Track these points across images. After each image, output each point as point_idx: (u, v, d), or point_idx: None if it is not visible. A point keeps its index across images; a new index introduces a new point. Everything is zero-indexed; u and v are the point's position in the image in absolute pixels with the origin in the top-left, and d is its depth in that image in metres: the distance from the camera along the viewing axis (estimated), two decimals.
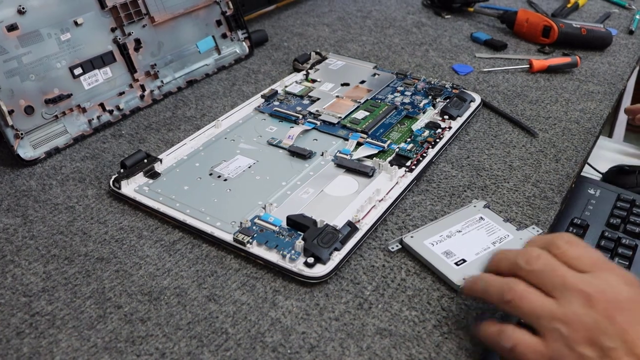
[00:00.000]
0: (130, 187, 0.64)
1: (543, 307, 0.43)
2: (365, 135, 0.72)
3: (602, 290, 0.42)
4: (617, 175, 0.92)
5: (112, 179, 0.64)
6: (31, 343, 0.48)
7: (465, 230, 0.58)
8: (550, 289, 0.43)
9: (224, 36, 0.93)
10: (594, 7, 1.20)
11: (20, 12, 0.69)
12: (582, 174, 0.84)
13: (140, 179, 0.65)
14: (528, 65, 0.92)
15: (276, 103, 0.80)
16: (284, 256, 0.54)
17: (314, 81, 0.86)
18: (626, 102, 1.53)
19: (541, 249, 0.46)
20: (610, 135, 1.61)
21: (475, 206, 0.62)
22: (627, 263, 0.65)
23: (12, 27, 0.69)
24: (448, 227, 0.59)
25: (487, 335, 0.46)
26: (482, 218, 0.60)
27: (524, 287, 0.44)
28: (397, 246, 0.57)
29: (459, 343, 0.48)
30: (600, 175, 0.97)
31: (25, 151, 0.70)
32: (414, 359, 0.47)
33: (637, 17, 1.12)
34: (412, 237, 0.57)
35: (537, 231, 0.58)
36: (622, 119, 1.60)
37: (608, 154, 1.17)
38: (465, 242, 0.57)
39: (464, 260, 0.54)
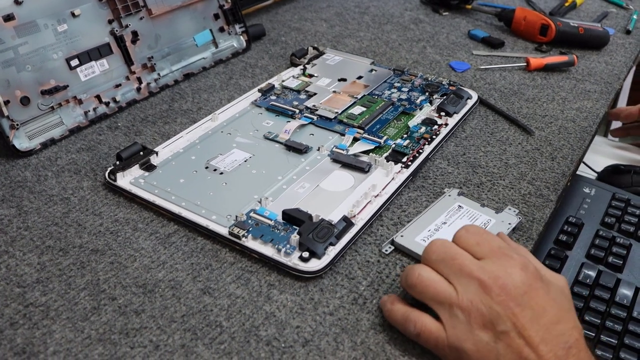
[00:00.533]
0: (126, 180, 0.64)
1: (444, 294, 0.45)
2: (361, 131, 0.72)
3: (496, 277, 0.44)
4: (612, 174, 0.92)
5: (108, 171, 0.64)
6: (25, 334, 0.48)
7: (450, 220, 0.59)
8: (450, 276, 0.46)
9: (222, 30, 0.93)
10: (591, 6, 1.20)
11: (17, 2, 0.69)
12: (577, 172, 0.84)
13: (136, 171, 0.65)
14: (525, 64, 0.92)
15: (273, 97, 0.80)
16: (279, 250, 0.54)
17: (311, 76, 0.86)
18: (622, 101, 1.54)
19: (445, 239, 0.49)
20: (606, 135, 1.61)
21: (450, 195, 0.63)
22: (621, 262, 0.66)
23: (8, 17, 0.68)
24: (433, 221, 0.59)
25: (395, 320, 0.49)
26: (460, 206, 0.61)
27: (429, 273, 0.47)
28: (390, 247, 0.57)
29: None
30: (596, 174, 0.97)
31: (21, 142, 0.70)
32: (408, 353, 0.47)
33: (635, 16, 1.13)
34: (402, 236, 0.57)
35: (514, 211, 0.61)
36: None
37: (604, 153, 1.17)
38: (453, 232, 0.57)
39: None
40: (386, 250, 0.57)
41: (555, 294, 0.46)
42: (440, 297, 0.46)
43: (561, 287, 0.47)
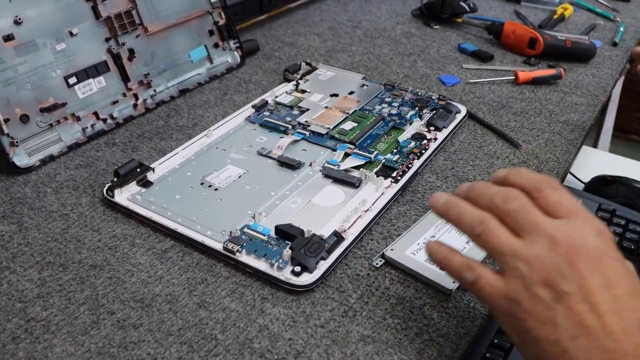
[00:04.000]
0: (124, 196, 0.66)
1: (508, 245, 0.43)
2: (352, 146, 0.74)
3: (568, 236, 0.41)
4: (599, 185, 0.94)
5: (106, 188, 0.66)
6: (26, 348, 0.50)
7: (438, 234, 0.61)
8: (520, 230, 0.43)
9: (216, 46, 0.95)
10: (579, 18, 1.23)
11: (17, 22, 0.71)
12: (564, 184, 0.86)
13: (133, 187, 0.67)
14: (513, 77, 0.94)
15: (266, 113, 0.82)
16: (272, 265, 0.56)
17: (303, 91, 0.88)
18: (611, 112, 1.56)
19: (520, 192, 0.45)
20: (595, 145, 1.63)
21: None
22: None
23: (8, 37, 0.70)
24: (422, 234, 0.61)
25: (453, 266, 0.46)
26: None
27: (496, 224, 0.44)
28: (380, 261, 0.59)
29: (439, 350, 0.50)
30: (583, 185, 0.99)
31: (21, 159, 0.72)
32: None
33: (621, 29, 1.15)
34: (392, 249, 0.59)
35: None
36: (608, 127, 1.62)
37: (592, 163, 1.19)
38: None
39: None
40: (377, 264, 0.58)
41: (630, 270, 0.42)
42: (505, 247, 0.43)
43: (632, 268, 0.43)
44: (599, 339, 0.38)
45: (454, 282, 0.55)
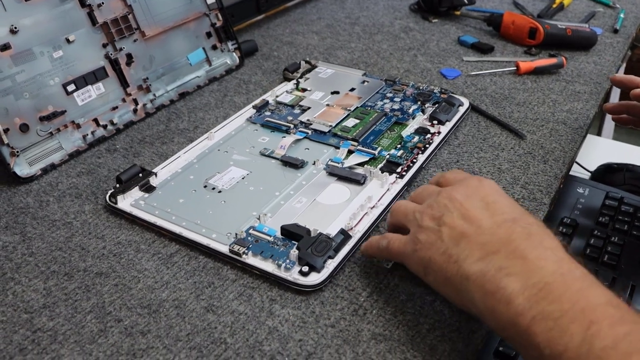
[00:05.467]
0: (127, 202, 0.65)
1: (411, 209, 0.53)
2: (356, 143, 0.73)
3: (454, 187, 0.52)
4: (605, 173, 0.94)
5: (109, 194, 0.65)
6: (34, 359, 0.49)
7: None
8: (420, 200, 0.54)
9: (214, 47, 0.94)
10: (579, 6, 1.22)
11: (13, 31, 0.70)
12: (571, 173, 0.85)
13: (136, 193, 0.66)
14: (515, 68, 0.94)
15: (267, 113, 0.81)
16: (279, 266, 0.55)
17: (304, 90, 0.87)
18: (614, 98, 1.55)
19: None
20: (599, 133, 1.62)
21: None
22: (616, 261, 0.67)
23: (5, 47, 0.70)
24: None
25: (373, 244, 0.56)
26: None
27: (404, 201, 0.56)
28: (389, 262, 0.57)
29: (452, 345, 0.49)
30: (589, 174, 0.98)
31: (22, 168, 0.71)
32: None
33: (622, 15, 1.14)
34: None
35: None
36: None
37: (597, 151, 1.18)
38: None
39: None
40: (387, 265, 0.57)
41: (502, 193, 0.51)
42: (408, 212, 0.53)
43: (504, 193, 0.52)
44: (476, 237, 0.46)
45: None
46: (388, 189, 0.65)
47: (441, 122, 0.77)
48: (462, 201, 0.49)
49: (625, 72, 1.57)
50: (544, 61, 0.93)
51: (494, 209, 0.49)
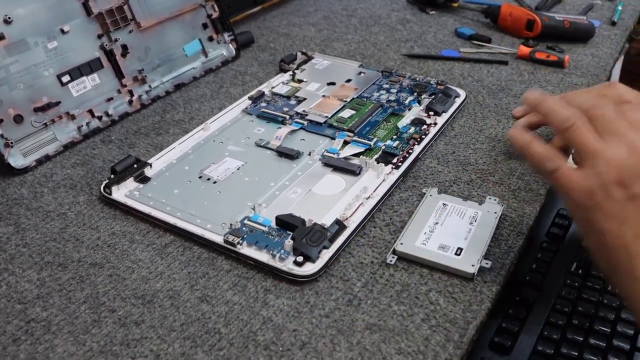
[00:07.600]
0: (121, 193, 0.65)
1: (592, 144, 0.46)
2: (351, 134, 0.73)
3: None
4: None
5: (103, 185, 0.65)
6: (27, 349, 0.49)
7: (441, 220, 0.60)
8: (605, 133, 0.46)
9: (211, 39, 0.94)
10: None
11: (7, 21, 0.70)
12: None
13: (130, 184, 0.66)
14: (515, 51, 0.93)
15: (263, 104, 0.81)
16: (273, 256, 0.55)
17: (300, 81, 0.87)
18: None
19: (609, 102, 0.49)
20: None
21: (431, 195, 0.64)
22: None
23: None
24: (425, 223, 0.60)
25: (535, 154, 0.50)
26: (445, 204, 0.62)
27: (585, 122, 0.47)
28: (393, 257, 0.57)
29: (447, 335, 0.49)
30: None
31: (16, 160, 0.71)
32: (403, 352, 0.48)
33: (619, 7, 1.14)
34: (402, 243, 0.57)
35: (494, 200, 0.63)
36: None
37: None
38: (448, 231, 0.59)
39: (461, 249, 0.56)
40: (390, 261, 0.57)
41: None
42: (589, 145, 0.46)
43: None
44: None
45: (473, 266, 0.54)
46: (384, 180, 0.65)
47: (437, 113, 0.76)
48: None
49: (623, 66, 1.56)
50: (545, 56, 0.93)
51: None
